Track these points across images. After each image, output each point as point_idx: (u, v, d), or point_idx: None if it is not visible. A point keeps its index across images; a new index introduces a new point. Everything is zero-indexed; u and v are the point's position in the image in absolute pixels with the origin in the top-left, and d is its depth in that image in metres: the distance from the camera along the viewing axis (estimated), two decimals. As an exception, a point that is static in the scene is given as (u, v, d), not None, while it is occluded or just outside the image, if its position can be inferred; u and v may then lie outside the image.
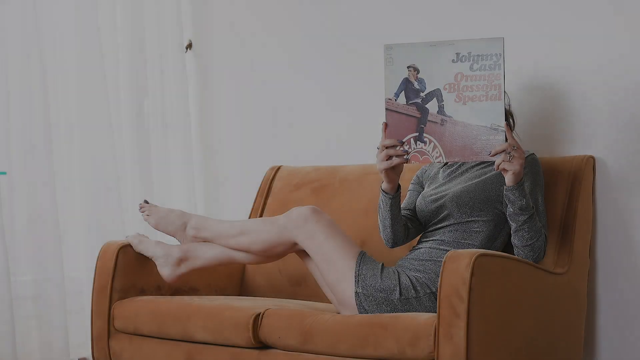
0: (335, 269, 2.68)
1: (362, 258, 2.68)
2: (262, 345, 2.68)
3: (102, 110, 3.53)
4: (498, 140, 2.49)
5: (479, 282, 2.33)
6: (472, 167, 2.83)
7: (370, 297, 2.62)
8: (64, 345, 3.37)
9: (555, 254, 2.76)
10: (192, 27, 3.92)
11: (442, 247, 2.70)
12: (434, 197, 2.80)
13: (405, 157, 2.57)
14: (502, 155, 2.48)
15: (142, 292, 3.03)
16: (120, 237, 3.40)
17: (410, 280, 2.63)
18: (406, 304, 2.61)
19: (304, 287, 3.20)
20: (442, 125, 2.55)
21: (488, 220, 2.70)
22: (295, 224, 2.74)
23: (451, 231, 2.72)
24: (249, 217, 3.44)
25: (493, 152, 2.49)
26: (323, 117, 3.58)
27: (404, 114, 2.56)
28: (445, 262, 2.37)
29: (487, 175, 2.74)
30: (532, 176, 2.69)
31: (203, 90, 3.94)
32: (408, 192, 2.94)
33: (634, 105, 2.83)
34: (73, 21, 3.51)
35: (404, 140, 2.57)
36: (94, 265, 3.05)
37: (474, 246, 2.68)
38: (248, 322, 2.65)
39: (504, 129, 2.49)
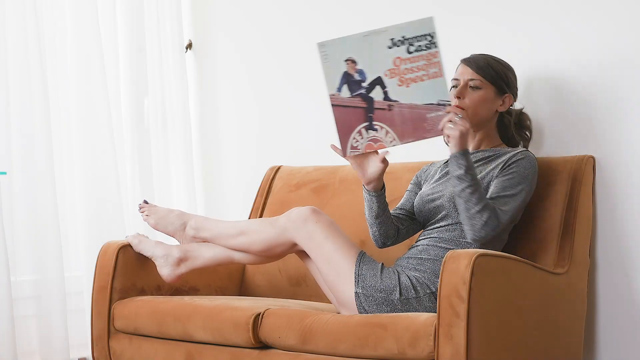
0: (335, 269, 2.68)
1: (362, 258, 2.68)
2: (262, 345, 2.68)
3: (102, 110, 3.53)
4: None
5: (479, 282, 2.33)
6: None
7: (370, 298, 2.62)
8: (64, 345, 3.37)
9: (555, 254, 2.75)
10: (192, 27, 3.92)
11: (440, 245, 2.70)
12: (431, 196, 2.80)
13: (358, 150, 2.60)
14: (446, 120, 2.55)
15: (142, 292, 3.03)
16: (120, 237, 3.40)
17: (410, 281, 2.63)
18: (406, 304, 2.61)
19: (304, 287, 3.20)
20: (390, 110, 2.57)
21: None
22: (295, 224, 2.74)
23: (449, 230, 2.72)
24: (249, 217, 3.44)
25: (441, 124, 2.53)
26: (323, 117, 3.58)
27: (350, 106, 2.57)
28: (445, 262, 2.37)
29: (482, 173, 2.74)
30: (519, 166, 2.69)
31: (203, 90, 3.94)
32: (406, 192, 2.94)
33: (635, 105, 2.83)
34: (73, 21, 3.51)
35: (353, 133, 2.59)
36: (94, 265, 3.05)
37: (471, 245, 2.68)
38: (248, 322, 2.65)
39: (450, 102, 2.54)
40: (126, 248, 3.00)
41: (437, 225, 2.75)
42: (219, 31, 3.89)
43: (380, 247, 2.81)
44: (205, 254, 2.90)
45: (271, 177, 3.48)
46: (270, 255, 2.85)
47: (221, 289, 3.26)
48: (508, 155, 2.73)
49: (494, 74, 2.78)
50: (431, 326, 2.37)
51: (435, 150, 3.21)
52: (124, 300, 2.97)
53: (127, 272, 3.00)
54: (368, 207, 2.73)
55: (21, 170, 3.36)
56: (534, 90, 3.01)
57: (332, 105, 2.57)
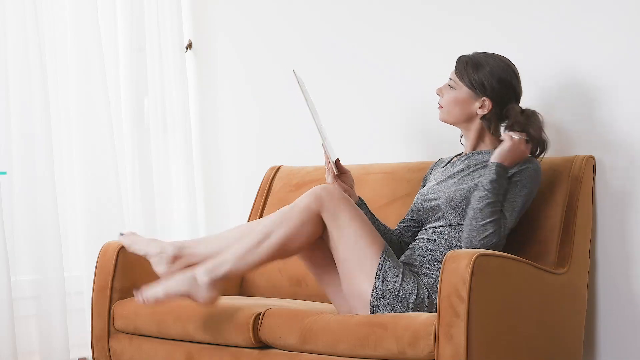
0: (358, 255, 2.59)
1: (387, 252, 2.62)
2: (262, 345, 2.68)
3: (102, 110, 3.53)
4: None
5: (479, 282, 2.33)
6: (469, 168, 2.80)
7: (388, 295, 2.57)
8: (64, 345, 3.37)
9: (555, 254, 2.75)
10: (192, 27, 3.92)
11: (434, 247, 2.68)
12: (430, 195, 2.79)
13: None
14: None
15: (142, 292, 3.03)
16: (120, 237, 3.40)
17: (425, 286, 2.59)
18: (422, 308, 2.58)
19: (304, 287, 3.20)
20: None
21: None
22: (322, 199, 2.60)
23: (444, 232, 2.71)
24: (249, 217, 3.43)
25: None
26: (323, 117, 3.57)
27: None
28: (445, 262, 2.37)
29: (481, 177, 2.73)
30: (522, 175, 2.67)
31: (203, 90, 3.94)
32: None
33: (635, 105, 2.83)
34: (73, 22, 3.51)
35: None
36: (94, 265, 3.05)
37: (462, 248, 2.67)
38: (248, 322, 2.65)
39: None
40: (126, 248, 3.00)
41: (432, 225, 2.75)
42: (219, 31, 3.89)
43: None
44: (202, 252, 2.84)
45: (271, 177, 3.48)
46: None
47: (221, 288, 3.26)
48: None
49: (468, 76, 2.75)
50: (431, 326, 2.37)
51: (436, 150, 3.21)
52: (124, 300, 2.97)
53: (127, 272, 3.00)
54: None
55: (21, 170, 3.36)
56: (534, 91, 3.00)
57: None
